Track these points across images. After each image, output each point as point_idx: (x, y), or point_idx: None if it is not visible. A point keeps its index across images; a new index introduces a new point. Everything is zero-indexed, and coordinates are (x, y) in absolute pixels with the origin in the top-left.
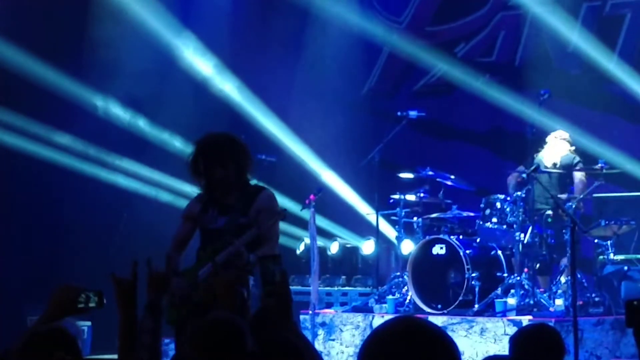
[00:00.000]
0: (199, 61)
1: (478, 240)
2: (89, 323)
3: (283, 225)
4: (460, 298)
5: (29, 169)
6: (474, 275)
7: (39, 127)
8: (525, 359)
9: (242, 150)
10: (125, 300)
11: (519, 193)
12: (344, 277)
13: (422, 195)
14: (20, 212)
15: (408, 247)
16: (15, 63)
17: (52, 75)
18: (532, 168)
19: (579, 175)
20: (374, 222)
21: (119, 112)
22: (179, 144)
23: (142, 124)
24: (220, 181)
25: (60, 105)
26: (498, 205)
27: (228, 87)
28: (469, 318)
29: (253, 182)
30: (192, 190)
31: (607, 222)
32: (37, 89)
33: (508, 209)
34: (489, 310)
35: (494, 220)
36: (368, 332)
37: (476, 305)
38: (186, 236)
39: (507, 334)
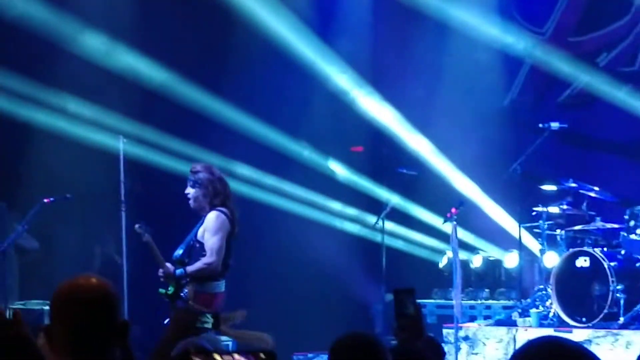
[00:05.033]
0: (339, 76)
1: (623, 252)
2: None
3: (424, 239)
4: (605, 311)
5: None
6: (618, 287)
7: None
8: None
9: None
10: None
11: None
12: (487, 290)
13: (565, 207)
14: None
15: (552, 259)
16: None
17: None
18: None
19: None
20: (517, 235)
21: (259, 128)
22: (321, 161)
23: (283, 140)
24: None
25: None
26: None
27: (369, 101)
28: (614, 331)
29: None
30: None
31: None
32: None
33: None
34: (634, 323)
35: (639, 231)
36: (511, 345)
37: (621, 318)
38: None
39: None
